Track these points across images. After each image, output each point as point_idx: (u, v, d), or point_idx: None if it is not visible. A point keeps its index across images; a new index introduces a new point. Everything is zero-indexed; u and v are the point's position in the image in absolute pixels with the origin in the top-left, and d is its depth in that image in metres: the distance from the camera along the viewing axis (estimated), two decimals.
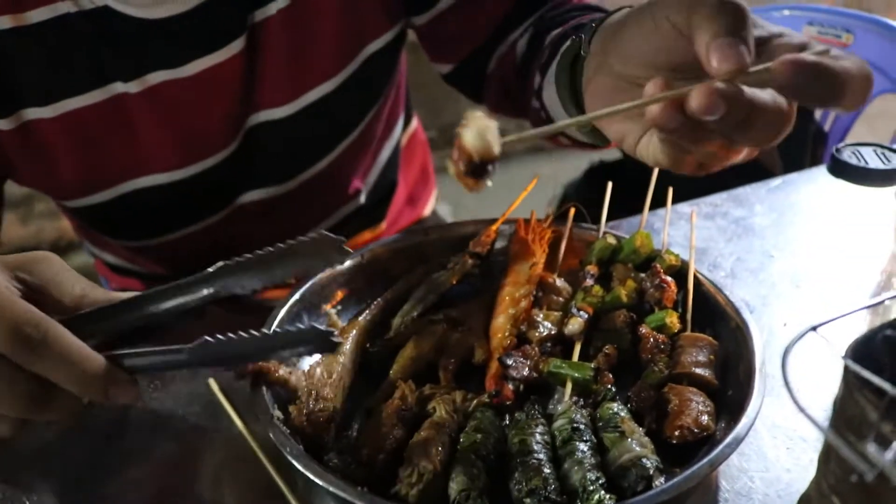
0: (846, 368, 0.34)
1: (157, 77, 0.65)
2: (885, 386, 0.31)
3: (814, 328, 0.38)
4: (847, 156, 0.88)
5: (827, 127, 1.32)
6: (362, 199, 0.86)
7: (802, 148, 1.26)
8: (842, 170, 0.86)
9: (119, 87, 0.65)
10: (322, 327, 0.46)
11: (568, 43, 0.57)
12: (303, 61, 0.70)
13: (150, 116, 0.67)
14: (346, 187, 0.83)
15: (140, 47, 0.64)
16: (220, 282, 0.50)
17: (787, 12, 1.36)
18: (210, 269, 0.50)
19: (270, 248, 0.50)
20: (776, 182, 0.85)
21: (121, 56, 0.64)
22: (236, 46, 0.66)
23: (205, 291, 0.50)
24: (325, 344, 0.46)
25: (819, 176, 0.87)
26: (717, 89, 0.37)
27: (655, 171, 0.71)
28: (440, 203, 1.05)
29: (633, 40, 0.46)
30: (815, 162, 1.29)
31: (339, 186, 0.83)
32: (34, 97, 0.64)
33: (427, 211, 0.98)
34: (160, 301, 0.50)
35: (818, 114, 1.33)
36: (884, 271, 0.70)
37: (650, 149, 0.47)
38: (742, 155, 0.45)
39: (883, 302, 0.58)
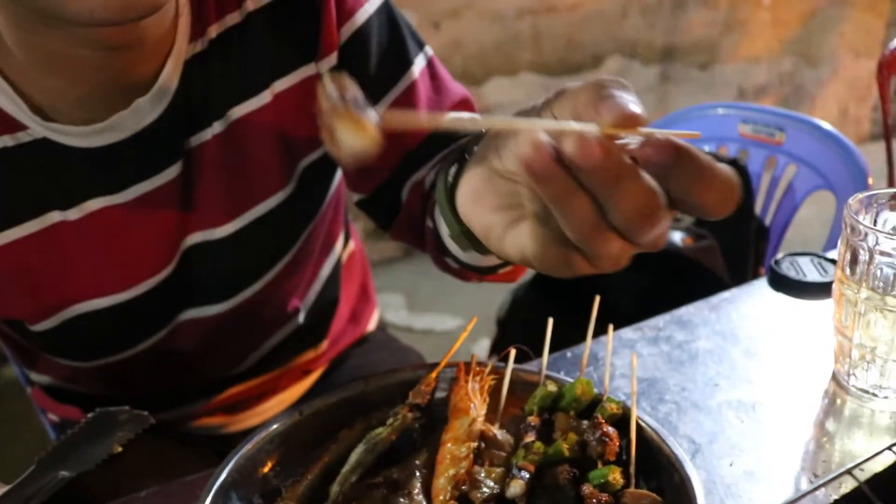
0: None
1: (94, 204, 0.66)
2: None
3: None
4: (786, 268, 0.89)
5: (768, 221, 1.35)
6: (302, 317, 0.86)
7: (745, 244, 1.29)
8: (781, 283, 0.88)
9: (56, 216, 0.66)
10: None
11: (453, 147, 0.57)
12: (239, 182, 0.71)
13: (88, 243, 0.67)
14: (285, 306, 0.83)
15: (77, 176, 0.65)
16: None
17: (721, 111, 1.41)
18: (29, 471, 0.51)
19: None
20: (717, 300, 0.85)
21: (58, 185, 0.65)
22: (173, 171, 0.68)
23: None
24: None
25: (760, 289, 0.87)
26: (596, 137, 0.36)
27: (597, 299, 0.72)
28: (394, 293, 1.04)
29: (509, 136, 0.44)
30: (758, 256, 1.31)
31: (279, 305, 0.82)
32: None
33: (371, 326, 0.98)
34: None
35: (758, 209, 1.36)
36: (826, 393, 0.70)
37: (518, 238, 0.44)
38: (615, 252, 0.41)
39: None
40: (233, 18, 0.68)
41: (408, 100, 0.73)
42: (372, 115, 0.38)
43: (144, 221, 0.68)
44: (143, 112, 0.65)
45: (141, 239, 0.69)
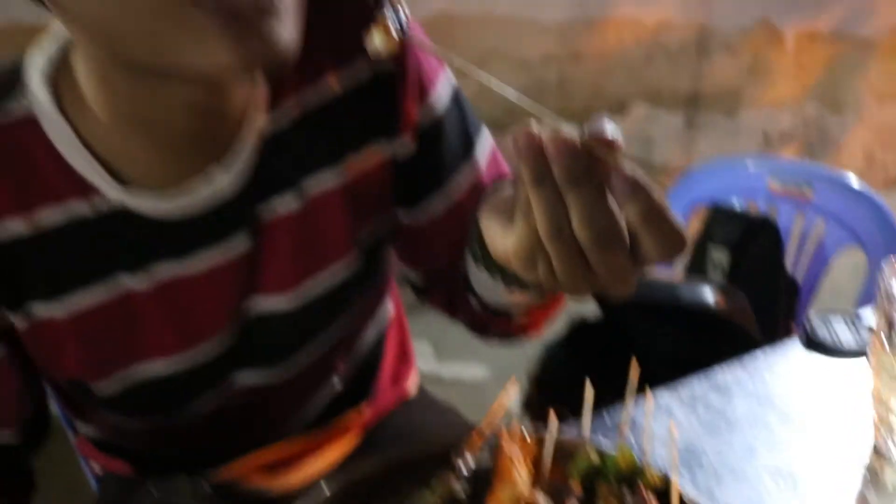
0: None
1: (162, 270, 0.67)
2: None
3: None
4: (819, 329, 0.90)
5: (798, 276, 1.36)
6: (346, 380, 0.87)
7: (776, 300, 1.29)
8: (814, 344, 0.88)
9: (125, 283, 0.67)
10: None
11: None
12: (308, 255, 0.72)
13: (153, 308, 0.69)
14: (332, 369, 0.85)
15: (148, 241, 0.66)
16: None
17: (752, 165, 1.42)
18: None
19: None
20: (752, 361, 0.86)
21: (128, 250, 0.66)
22: (243, 241, 0.69)
23: None
24: None
25: (793, 350, 0.88)
26: (570, 136, 0.43)
27: (635, 364, 0.73)
28: (421, 341, 1.05)
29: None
30: (789, 312, 1.32)
31: (326, 368, 0.84)
32: (41, 294, 0.65)
33: (410, 386, 0.99)
34: None
35: (789, 263, 1.36)
36: (867, 464, 0.70)
37: (508, 235, 0.49)
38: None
39: None
40: (312, 93, 0.69)
41: (474, 176, 0.76)
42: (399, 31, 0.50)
43: (210, 289, 0.69)
44: (217, 181, 0.66)
45: (205, 306, 0.70)
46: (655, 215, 0.43)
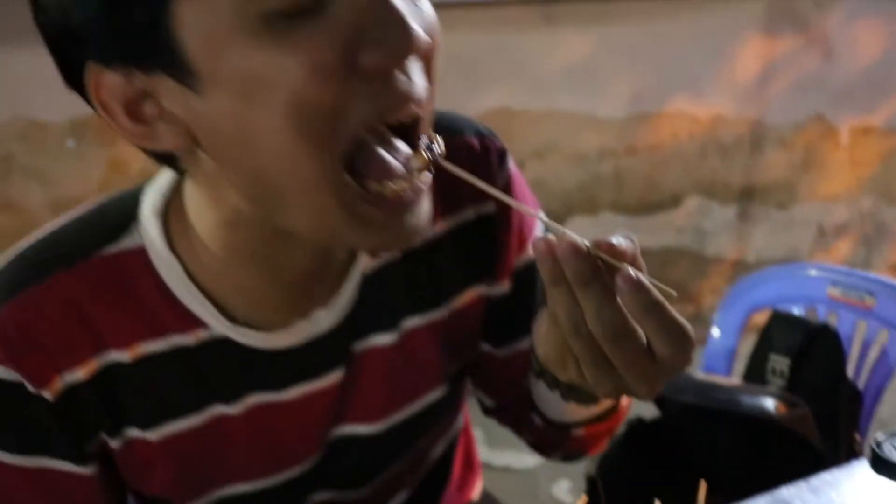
0: None
1: (254, 399, 0.69)
2: None
3: None
4: (888, 450, 0.90)
5: (861, 385, 1.35)
6: (415, 491, 0.88)
7: (838, 410, 1.28)
8: (883, 466, 0.88)
9: (218, 410, 0.68)
10: None
11: None
12: (400, 385, 0.74)
13: (243, 434, 0.70)
14: (405, 482, 0.86)
15: (245, 372, 0.68)
16: None
17: (813, 272, 1.43)
18: None
19: None
20: (818, 481, 0.86)
21: (226, 380, 0.68)
22: (337, 374, 0.71)
23: None
24: None
25: (861, 472, 0.88)
26: (580, 244, 0.49)
27: (703, 486, 0.74)
28: (473, 428, 1.07)
29: None
30: (852, 422, 1.30)
31: (400, 482, 0.85)
32: (137, 419, 0.67)
33: (475, 494, 1.00)
34: None
35: (850, 372, 1.36)
36: None
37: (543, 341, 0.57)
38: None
39: None
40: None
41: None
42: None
43: (300, 417, 0.71)
44: (319, 320, 0.68)
45: (293, 433, 0.72)
46: (655, 309, 0.49)
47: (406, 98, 0.54)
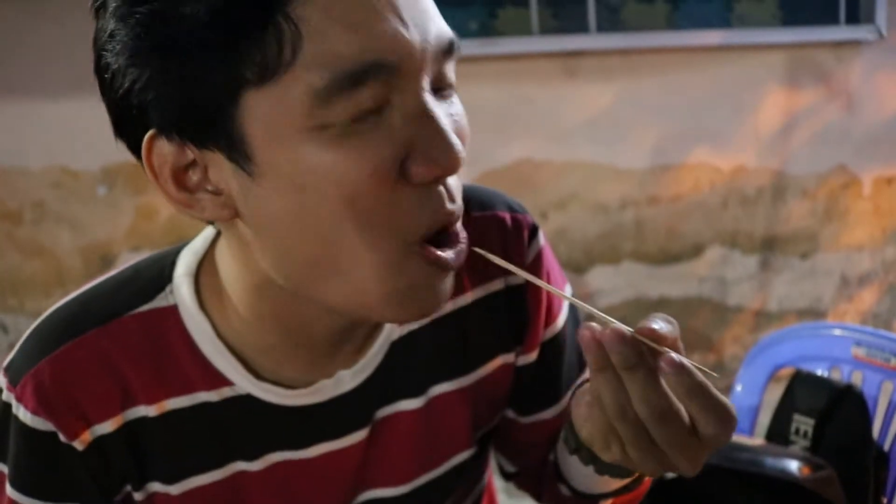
0: None
1: (277, 456, 0.69)
2: None
3: None
4: None
5: (887, 446, 1.34)
6: None
7: (864, 472, 1.27)
8: None
9: (240, 466, 0.69)
10: None
11: None
12: (425, 450, 0.74)
13: (264, 492, 0.70)
14: None
15: (268, 429, 0.68)
16: None
17: (837, 332, 1.43)
18: None
19: None
20: None
21: (248, 437, 0.68)
22: (360, 435, 0.71)
23: None
24: None
25: None
26: (623, 331, 0.51)
27: None
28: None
29: None
30: (878, 485, 1.29)
31: None
32: (160, 473, 0.68)
33: None
34: None
35: (876, 433, 1.35)
36: None
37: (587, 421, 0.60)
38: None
39: None
40: (447, 306, 0.72)
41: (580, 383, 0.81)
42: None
43: (322, 477, 0.71)
44: (343, 381, 0.69)
45: (316, 492, 0.72)
46: (699, 391, 0.51)
47: (447, 214, 0.57)
